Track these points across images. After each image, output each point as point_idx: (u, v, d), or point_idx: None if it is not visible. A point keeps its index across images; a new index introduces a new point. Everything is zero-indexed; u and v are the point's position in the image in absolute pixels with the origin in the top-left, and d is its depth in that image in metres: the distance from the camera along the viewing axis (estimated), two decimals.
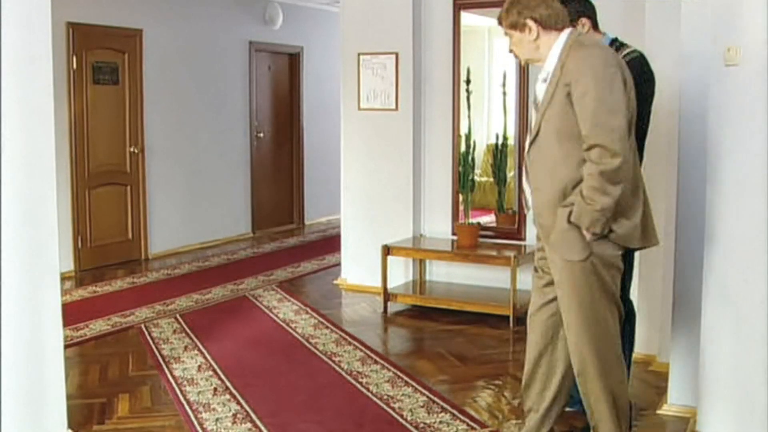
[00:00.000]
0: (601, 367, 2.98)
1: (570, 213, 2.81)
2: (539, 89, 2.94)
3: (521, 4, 2.89)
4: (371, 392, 4.04)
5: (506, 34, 2.98)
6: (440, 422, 3.66)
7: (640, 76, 3.26)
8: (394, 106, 6.04)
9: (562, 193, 2.85)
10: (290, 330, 5.20)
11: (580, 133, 2.77)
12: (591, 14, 3.40)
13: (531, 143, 2.96)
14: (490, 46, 6.43)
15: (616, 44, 3.38)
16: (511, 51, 3.03)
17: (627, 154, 2.72)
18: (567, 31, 2.91)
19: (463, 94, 5.82)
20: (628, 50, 3.34)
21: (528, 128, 3.13)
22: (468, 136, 5.76)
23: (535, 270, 3.20)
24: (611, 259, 2.90)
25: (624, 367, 3.09)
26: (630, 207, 2.85)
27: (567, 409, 3.73)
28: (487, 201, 6.08)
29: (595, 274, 2.88)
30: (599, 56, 2.78)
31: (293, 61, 9.43)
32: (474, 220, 5.79)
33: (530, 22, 2.89)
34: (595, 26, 3.41)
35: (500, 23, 2.99)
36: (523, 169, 3.05)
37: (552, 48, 2.89)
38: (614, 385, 3.02)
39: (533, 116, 2.99)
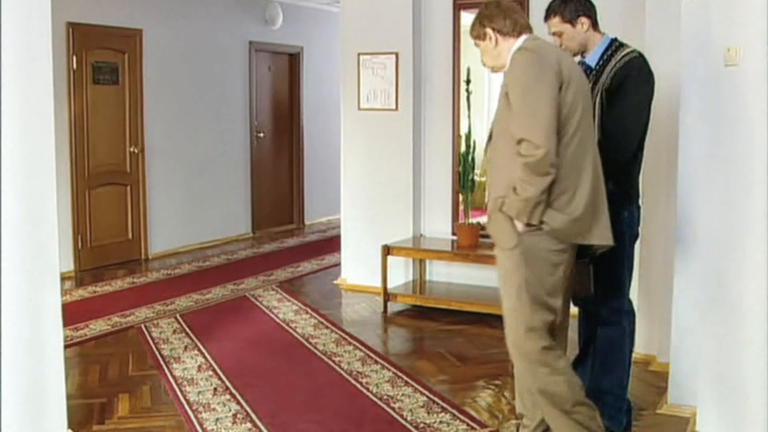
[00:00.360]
0: (522, 351, 3.05)
1: (502, 203, 2.93)
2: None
3: (483, 16, 3.10)
4: (371, 392, 4.04)
5: (476, 45, 3.17)
6: (440, 422, 3.66)
7: (639, 76, 3.27)
8: (394, 106, 6.04)
9: (508, 189, 2.93)
10: (290, 330, 5.20)
11: None
12: (590, 13, 3.39)
13: (486, 145, 3.13)
14: None
15: (616, 44, 3.38)
16: (483, 63, 3.19)
17: (551, 147, 2.81)
18: (523, 37, 3.05)
19: (463, 94, 5.81)
20: (626, 50, 3.33)
21: None
22: (468, 136, 5.76)
23: None
24: (543, 253, 2.94)
25: (557, 358, 3.06)
26: (565, 201, 2.90)
27: None
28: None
29: (525, 265, 2.94)
30: (528, 57, 2.92)
31: (293, 61, 9.43)
32: (474, 220, 5.79)
33: (489, 31, 3.08)
34: (594, 25, 3.41)
35: (472, 36, 3.18)
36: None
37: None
38: (541, 378, 3.03)
39: None
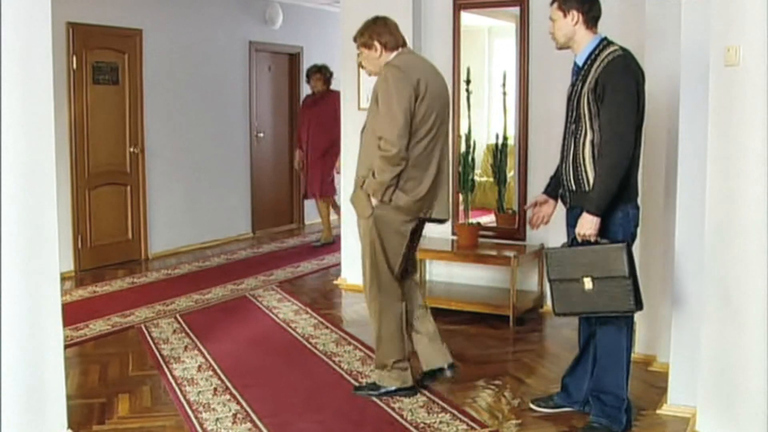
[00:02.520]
0: (375, 307, 3.91)
1: (363, 182, 3.75)
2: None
3: (373, 30, 3.84)
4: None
5: (359, 50, 3.88)
6: (440, 422, 3.66)
7: (621, 75, 3.26)
8: None
9: (370, 172, 3.73)
10: (290, 330, 5.20)
11: None
12: (586, 10, 3.39)
13: (361, 132, 3.86)
14: (490, 46, 6.43)
15: (603, 43, 3.38)
16: (359, 65, 3.82)
17: (402, 146, 3.64)
18: (396, 52, 3.83)
19: (463, 94, 5.82)
20: (610, 50, 3.34)
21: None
22: (468, 136, 5.76)
23: None
24: (393, 224, 3.78)
25: (396, 317, 3.92)
26: (411, 186, 3.73)
27: (567, 409, 3.75)
28: (487, 201, 6.08)
29: (377, 231, 3.77)
30: (393, 72, 3.70)
31: (293, 61, 9.43)
32: (474, 220, 5.79)
33: (377, 44, 3.82)
34: (587, 23, 3.40)
35: (355, 41, 3.88)
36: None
37: None
38: (385, 324, 3.90)
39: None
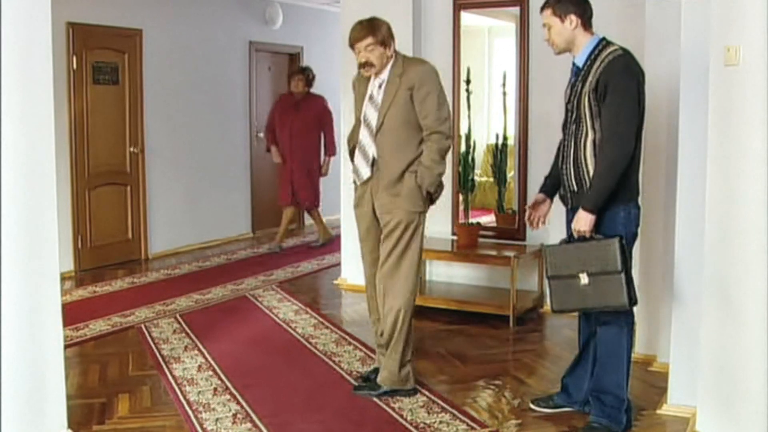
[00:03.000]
0: (407, 306, 3.93)
1: (400, 178, 3.85)
2: (377, 92, 3.90)
3: (389, 32, 3.89)
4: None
5: (370, 45, 3.83)
6: (440, 422, 3.66)
7: (623, 74, 3.27)
8: None
9: (409, 167, 3.86)
10: (290, 330, 5.20)
11: (419, 123, 3.83)
12: (581, 13, 3.39)
13: (376, 132, 3.88)
14: (490, 46, 6.43)
15: (603, 44, 3.39)
16: (367, 63, 3.84)
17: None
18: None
19: (463, 94, 5.82)
20: (610, 50, 3.34)
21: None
22: (468, 136, 5.76)
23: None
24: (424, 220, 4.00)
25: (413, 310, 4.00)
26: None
27: (567, 409, 3.75)
28: (487, 201, 6.08)
29: (422, 227, 3.95)
30: (433, 70, 3.87)
31: (293, 61, 9.43)
32: (474, 220, 5.79)
33: (393, 44, 3.90)
34: (584, 25, 3.41)
35: (365, 39, 3.82)
36: (371, 147, 3.90)
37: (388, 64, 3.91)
38: (409, 323, 3.97)
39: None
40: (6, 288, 3.00)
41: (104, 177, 7.12)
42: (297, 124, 7.64)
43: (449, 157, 5.84)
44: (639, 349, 4.37)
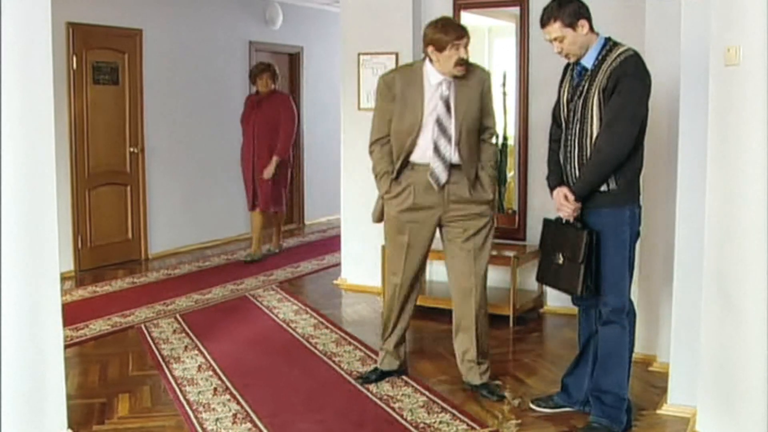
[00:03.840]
0: (485, 304, 4.04)
1: (475, 178, 3.92)
2: (444, 93, 3.86)
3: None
4: (371, 392, 4.04)
5: (466, 47, 3.84)
6: (440, 422, 3.66)
7: (634, 74, 3.27)
8: None
9: (479, 165, 3.96)
10: (290, 330, 5.20)
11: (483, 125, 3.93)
12: (588, 15, 3.39)
13: (459, 140, 3.87)
14: (490, 46, 6.42)
15: (610, 44, 3.38)
16: (463, 60, 3.82)
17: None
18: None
19: None
20: (621, 49, 3.33)
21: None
22: None
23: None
24: None
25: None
26: None
27: (567, 409, 3.75)
28: None
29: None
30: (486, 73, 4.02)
31: (293, 61, 9.43)
32: None
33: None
34: (591, 26, 3.41)
35: (466, 38, 3.82)
36: (448, 151, 3.86)
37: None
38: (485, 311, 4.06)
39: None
40: (6, 288, 3.00)
41: (104, 177, 7.12)
42: (260, 123, 7.22)
43: None
44: (639, 349, 4.35)
